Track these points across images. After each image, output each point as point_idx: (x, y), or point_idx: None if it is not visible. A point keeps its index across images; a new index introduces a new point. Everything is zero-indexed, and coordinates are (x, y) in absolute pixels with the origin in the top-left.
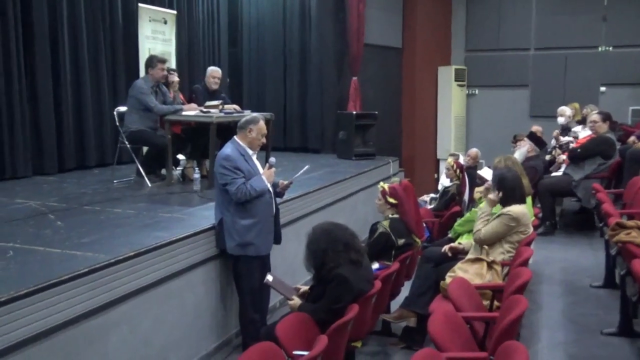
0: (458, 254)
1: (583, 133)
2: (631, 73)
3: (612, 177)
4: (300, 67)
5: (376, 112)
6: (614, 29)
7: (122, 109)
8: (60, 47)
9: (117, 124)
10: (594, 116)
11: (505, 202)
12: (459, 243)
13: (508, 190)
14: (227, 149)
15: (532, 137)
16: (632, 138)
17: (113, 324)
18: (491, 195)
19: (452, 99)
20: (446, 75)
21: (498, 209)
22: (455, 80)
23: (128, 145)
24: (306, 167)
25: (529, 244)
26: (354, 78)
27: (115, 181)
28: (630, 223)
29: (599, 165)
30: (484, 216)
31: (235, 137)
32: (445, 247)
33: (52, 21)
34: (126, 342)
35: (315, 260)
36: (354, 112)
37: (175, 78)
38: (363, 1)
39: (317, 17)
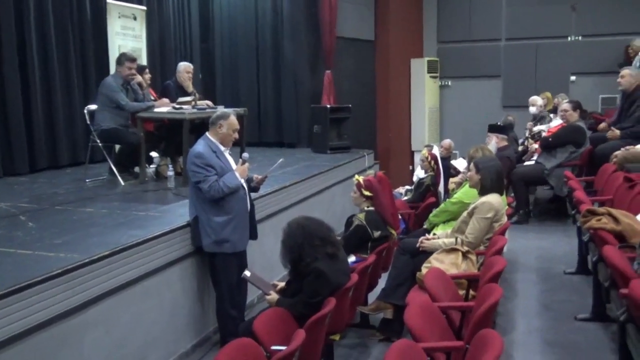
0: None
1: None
2: (600, 62)
3: (584, 165)
4: (274, 61)
5: (350, 105)
6: (583, 19)
7: (93, 107)
8: (27, 44)
9: (88, 122)
10: (565, 105)
11: (483, 191)
12: (434, 234)
13: (491, 178)
14: (199, 146)
15: (493, 128)
16: (603, 125)
17: (89, 324)
18: (470, 173)
19: (425, 90)
20: (419, 67)
21: (470, 194)
22: (428, 72)
23: (100, 144)
24: (280, 160)
25: (503, 232)
26: (328, 71)
27: (87, 180)
28: (601, 210)
29: (571, 154)
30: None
31: (206, 133)
32: (421, 239)
33: (19, 18)
34: (103, 342)
35: (291, 255)
36: (328, 106)
37: (140, 77)
38: None
39: (289, 10)
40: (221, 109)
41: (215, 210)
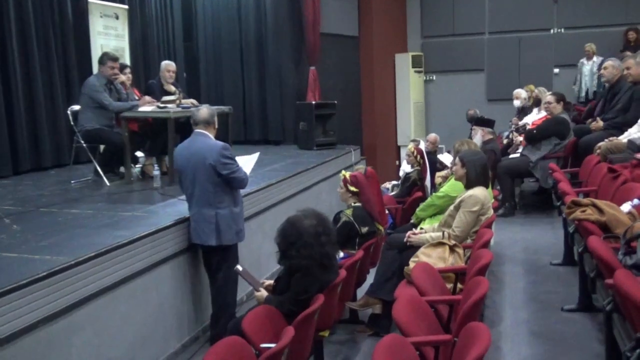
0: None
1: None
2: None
3: (568, 157)
4: (258, 59)
5: (335, 102)
6: (565, 11)
7: (76, 107)
8: (8, 45)
9: (72, 123)
10: (548, 97)
11: (469, 184)
12: (421, 228)
13: (476, 171)
14: (213, 140)
15: (479, 121)
16: (589, 119)
17: (76, 326)
18: (456, 167)
19: (410, 85)
20: (403, 62)
21: (456, 187)
22: (413, 67)
23: (84, 145)
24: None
25: (489, 225)
26: (312, 68)
27: (72, 181)
28: (586, 201)
29: (555, 146)
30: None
31: (204, 132)
32: (408, 234)
33: None
34: (91, 344)
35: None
36: (314, 102)
37: (123, 77)
38: None
39: (273, 7)
40: (206, 107)
41: (234, 201)
